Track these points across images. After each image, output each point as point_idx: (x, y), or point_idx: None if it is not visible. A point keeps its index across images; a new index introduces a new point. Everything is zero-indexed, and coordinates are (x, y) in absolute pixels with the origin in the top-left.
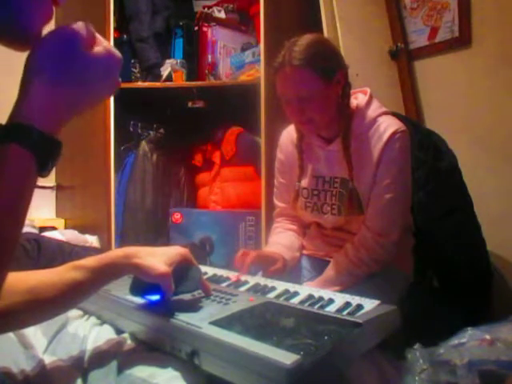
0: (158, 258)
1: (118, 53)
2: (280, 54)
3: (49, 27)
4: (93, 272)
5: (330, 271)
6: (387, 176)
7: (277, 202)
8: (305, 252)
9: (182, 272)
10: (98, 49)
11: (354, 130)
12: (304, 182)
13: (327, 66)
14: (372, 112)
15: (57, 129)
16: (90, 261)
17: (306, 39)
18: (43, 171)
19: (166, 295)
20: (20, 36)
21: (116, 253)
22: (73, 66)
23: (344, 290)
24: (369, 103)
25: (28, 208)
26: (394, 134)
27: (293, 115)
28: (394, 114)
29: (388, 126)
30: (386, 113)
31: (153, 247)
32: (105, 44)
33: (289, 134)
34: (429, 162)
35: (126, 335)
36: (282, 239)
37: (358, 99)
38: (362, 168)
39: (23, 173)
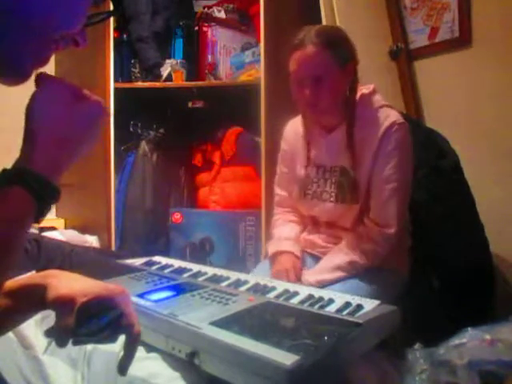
0: (76, 283)
1: (102, 100)
2: (297, 36)
3: None
4: (7, 295)
5: (329, 260)
6: (387, 168)
7: (277, 190)
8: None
9: (94, 309)
10: (88, 100)
11: (358, 118)
12: (307, 170)
13: (342, 52)
14: (375, 102)
15: (58, 177)
16: (7, 283)
17: (325, 25)
18: (40, 216)
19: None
20: (13, 74)
21: (41, 273)
22: (66, 115)
23: (340, 280)
24: (372, 94)
25: (20, 251)
26: (391, 126)
27: (302, 95)
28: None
29: (387, 117)
30: (387, 105)
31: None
32: (90, 94)
33: (294, 125)
34: (430, 161)
35: None
36: (289, 233)
37: (361, 91)
38: (361, 157)
39: (23, 214)
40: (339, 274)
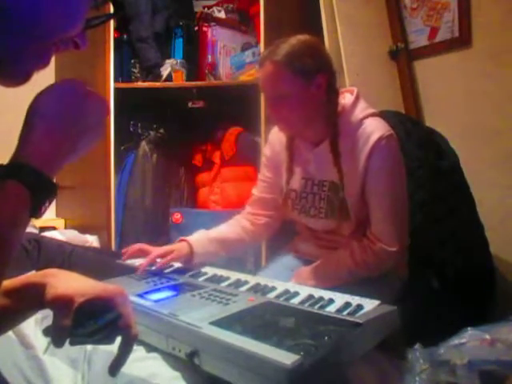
0: (75, 283)
1: (107, 101)
2: (264, 50)
3: None
4: (6, 295)
5: (330, 268)
6: (380, 185)
7: (254, 191)
8: (296, 254)
9: (92, 310)
10: (91, 98)
11: (341, 132)
12: (292, 184)
13: (307, 66)
14: (358, 114)
15: (54, 172)
16: (6, 282)
17: (293, 39)
18: (36, 211)
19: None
20: (13, 76)
21: (40, 272)
22: (72, 114)
23: (336, 287)
24: (355, 104)
25: (16, 247)
26: (379, 140)
27: (270, 113)
28: (385, 113)
29: (373, 131)
30: (372, 114)
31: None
32: (97, 94)
33: (277, 133)
34: (429, 160)
35: None
36: (217, 232)
37: (345, 99)
38: (350, 173)
39: (18, 210)
40: (339, 282)
